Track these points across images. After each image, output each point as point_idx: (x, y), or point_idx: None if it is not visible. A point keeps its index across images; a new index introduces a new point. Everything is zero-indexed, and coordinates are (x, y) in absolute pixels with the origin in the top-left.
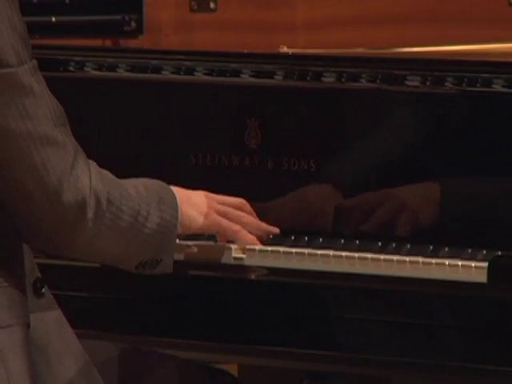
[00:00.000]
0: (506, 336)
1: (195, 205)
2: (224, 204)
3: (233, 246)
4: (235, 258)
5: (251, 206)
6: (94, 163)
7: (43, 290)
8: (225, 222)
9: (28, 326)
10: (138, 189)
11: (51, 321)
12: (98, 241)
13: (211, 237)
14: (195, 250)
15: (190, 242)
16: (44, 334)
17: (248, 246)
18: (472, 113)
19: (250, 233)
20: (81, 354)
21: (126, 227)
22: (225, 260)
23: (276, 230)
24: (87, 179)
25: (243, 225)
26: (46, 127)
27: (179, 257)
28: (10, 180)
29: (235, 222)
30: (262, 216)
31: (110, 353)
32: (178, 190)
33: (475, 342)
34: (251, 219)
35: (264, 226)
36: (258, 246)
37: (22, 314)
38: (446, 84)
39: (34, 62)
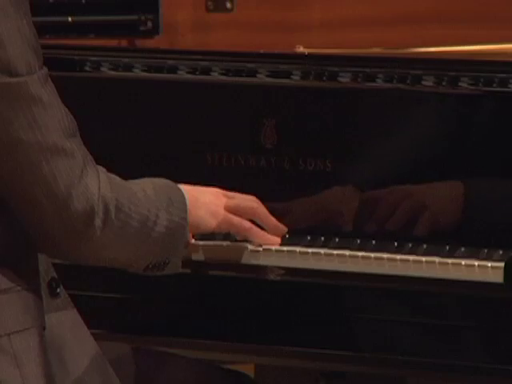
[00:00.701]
0: None
1: (204, 204)
2: (235, 201)
3: (249, 246)
4: (251, 256)
5: (267, 205)
6: (104, 169)
7: (58, 290)
8: (236, 219)
9: (43, 328)
10: (147, 192)
11: (66, 321)
12: (107, 248)
13: (227, 236)
14: (211, 249)
15: (205, 242)
16: (59, 335)
17: (264, 246)
18: (488, 113)
19: (263, 229)
20: (96, 353)
21: (135, 233)
22: (240, 260)
23: (284, 229)
24: (96, 187)
25: (259, 220)
26: (55, 137)
27: (195, 256)
28: (19, 189)
29: (246, 218)
30: (277, 216)
31: (126, 354)
32: (187, 190)
33: (491, 342)
34: (262, 215)
35: (274, 222)
36: (275, 246)
37: (37, 316)
38: (462, 84)
39: (45, 70)
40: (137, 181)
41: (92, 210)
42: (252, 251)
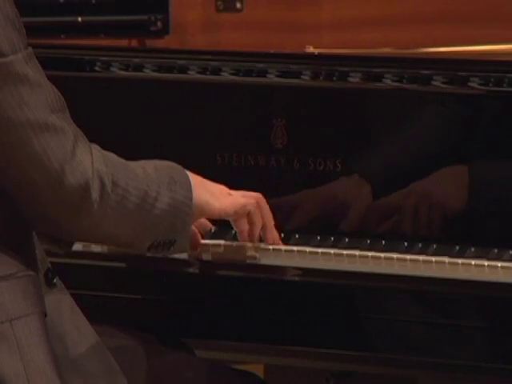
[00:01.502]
0: None
1: (209, 190)
2: (239, 192)
3: (261, 246)
4: (261, 256)
5: (276, 205)
6: (97, 146)
7: (55, 281)
8: (242, 200)
9: (44, 314)
10: (147, 170)
11: (64, 309)
12: (106, 223)
13: (236, 236)
14: (221, 249)
15: (214, 242)
16: (59, 323)
17: (274, 246)
18: (498, 113)
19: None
20: (96, 341)
21: (134, 208)
22: (249, 260)
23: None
24: (89, 162)
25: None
26: (43, 114)
27: (204, 256)
28: (13, 169)
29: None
30: (287, 216)
31: (137, 356)
32: (192, 175)
33: (502, 342)
34: (265, 209)
35: (272, 223)
36: (285, 247)
37: (37, 302)
38: (472, 84)
39: (30, 50)
40: (138, 161)
41: (87, 184)
42: (262, 251)
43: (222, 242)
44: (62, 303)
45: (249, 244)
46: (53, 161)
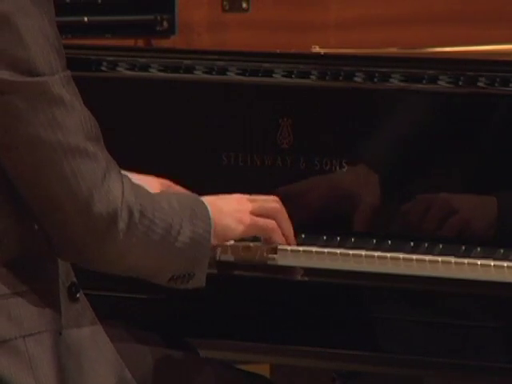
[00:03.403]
0: None
1: (229, 213)
2: (258, 203)
3: (264, 246)
4: (266, 256)
5: (283, 205)
6: (128, 176)
7: (78, 295)
8: (261, 222)
9: (59, 332)
10: (172, 202)
11: (85, 326)
12: (130, 254)
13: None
14: (227, 250)
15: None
16: (78, 340)
17: (280, 246)
18: (504, 113)
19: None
20: (115, 359)
21: (159, 240)
22: (256, 260)
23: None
24: (119, 191)
25: (279, 221)
26: (76, 138)
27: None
28: (42, 191)
29: (272, 219)
30: (293, 216)
31: (143, 357)
32: (209, 201)
33: (508, 342)
34: (283, 218)
35: (290, 228)
36: (291, 247)
37: (52, 320)
38: (479, 84)
39: (68, 73)
40: (160, 193)
41: (115, 213)
42: (268, 251)
43: (229, 242)
44: (83, 318)
45: (255, 245)
46: (82, 186)
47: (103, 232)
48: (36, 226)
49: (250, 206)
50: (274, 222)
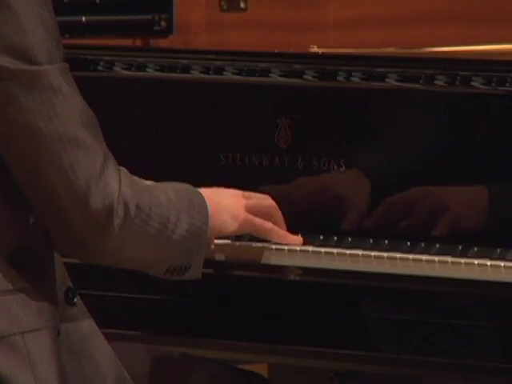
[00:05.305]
0: None
1: (225, 208)
2: (254, 201)
3: (262, 246)
4: (263, 256)
5: (280, 205)
6: (125, 170)
7: (75, 300)
8: (257, 221)
9: (57, 331)
10: (169, 195)
11: (84, 329)
12: (126, 247)
13: (239, 236)
14: (222, 249)
15: (217, 242)
16: (76, 342)
17: (276, 246)
18: (502, 112)
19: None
20: (114, 361)
21: (155, 234)
22: (252, 259)
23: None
24: (116, 185)
25: (274, 221)
26: (74, 128)
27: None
28: (40, 182)
29: (266, 219)
30: (291, 216)
31: (141, 356)
32: (207, 194)
33: (505, 342)
34: (278, 217)
35: (284, 227)
36: (287, 246)
37: (51, 318)
38: (476, 84)
39: (65, 64)
40: (158, 184)
41: (111, 207)
42: (264, 251)
43: (226, 241)
44: (81, 322)
45: (252, 244)
46: (79, 177)
47: (100, 225)
48: (32, 223)
49: (244, 203)
50: (270, 223)
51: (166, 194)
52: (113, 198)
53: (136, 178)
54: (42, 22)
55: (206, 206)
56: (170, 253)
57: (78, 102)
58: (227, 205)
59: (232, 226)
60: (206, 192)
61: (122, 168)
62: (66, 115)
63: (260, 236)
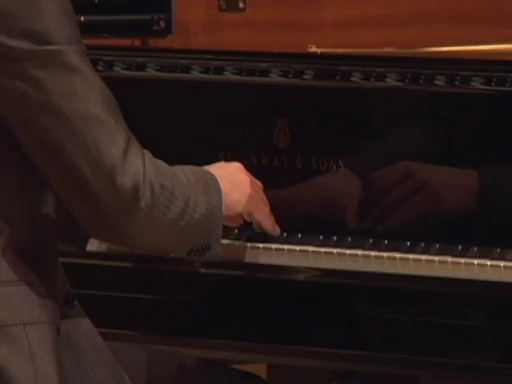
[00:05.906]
0: None
1: (236, 185)
2: (255, 183)
3: (261, 245)
4: (263, 255)
5: (280, 204)
6: (148, 152)
7: (74, 303)
8: (261, 200)
9: (58, 327)
10: (188, 175)
11: (83, 330)
12: (152, 227)
13: (239, 236)
14: (223, 248)
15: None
16: (76, 343)
17: (277, 246)
18: (501, 112)
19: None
20: (113, 362)
21: (180, 213)
22: (252, 259)
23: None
24: (141, 165)
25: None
26: (95, 107)
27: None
28: (65, 164)
29: (261, 196)
30: (290, 215)
31: (139, 356)
32: (218, 173)
33: (505, 341)
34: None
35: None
36: (287, 246)
37: (52, 314)
38: (475, 84)
39: (84, 46)
40: (177, 166)
41: (138, 185)
42: (264, 251)
43: (225, 241)
44: (80, 324)
45: (252, 244)
46: (104, 156)
47: (127, 205)
48: (42, 222)
49: (249, 180)
50: (268, 210)
51: (186, 174)
52: (138, 178)
53: (157, 160)
54: (60, 3)
55: (219, 185)
56: (192, 232)
57: (98, 82)
58: (237, 181)
59: (241, 204)
60: (217, 171)
61: (145, 150)
62: (86, 95)
63: (252, 215)
